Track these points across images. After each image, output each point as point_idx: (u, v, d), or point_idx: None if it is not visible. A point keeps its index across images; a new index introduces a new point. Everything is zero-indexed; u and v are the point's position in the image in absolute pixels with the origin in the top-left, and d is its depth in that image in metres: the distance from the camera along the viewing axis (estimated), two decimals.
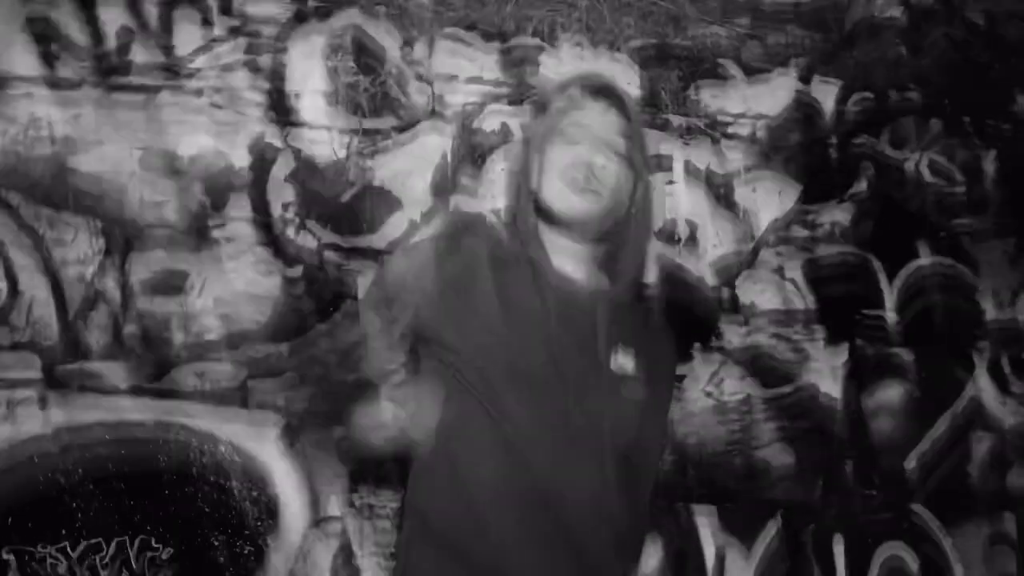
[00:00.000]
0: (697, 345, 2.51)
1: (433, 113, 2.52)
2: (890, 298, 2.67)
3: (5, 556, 2.05)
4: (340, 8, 2.52)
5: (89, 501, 2.11)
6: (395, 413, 1.64)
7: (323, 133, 2.46)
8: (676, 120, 2.64)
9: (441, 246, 1.60)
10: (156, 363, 2.23)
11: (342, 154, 2.46)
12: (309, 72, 2.48)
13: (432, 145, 2.50)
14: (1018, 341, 2.66)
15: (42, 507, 2.09)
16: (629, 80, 2.60)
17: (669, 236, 2.58)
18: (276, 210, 2.40)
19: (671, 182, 2.63)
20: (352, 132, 2.47)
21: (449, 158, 2.47)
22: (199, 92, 2.39)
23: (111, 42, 2.35)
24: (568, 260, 1.59)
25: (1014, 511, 2.56)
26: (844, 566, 2.43)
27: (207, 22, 2.42)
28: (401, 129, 2.51)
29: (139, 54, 2.36)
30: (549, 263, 1.58)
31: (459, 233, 1.61)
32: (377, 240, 2.44)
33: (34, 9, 2.28)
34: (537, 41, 2.61)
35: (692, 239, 2.61)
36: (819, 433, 2.54)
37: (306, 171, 2.44)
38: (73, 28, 2.31)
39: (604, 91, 1.55)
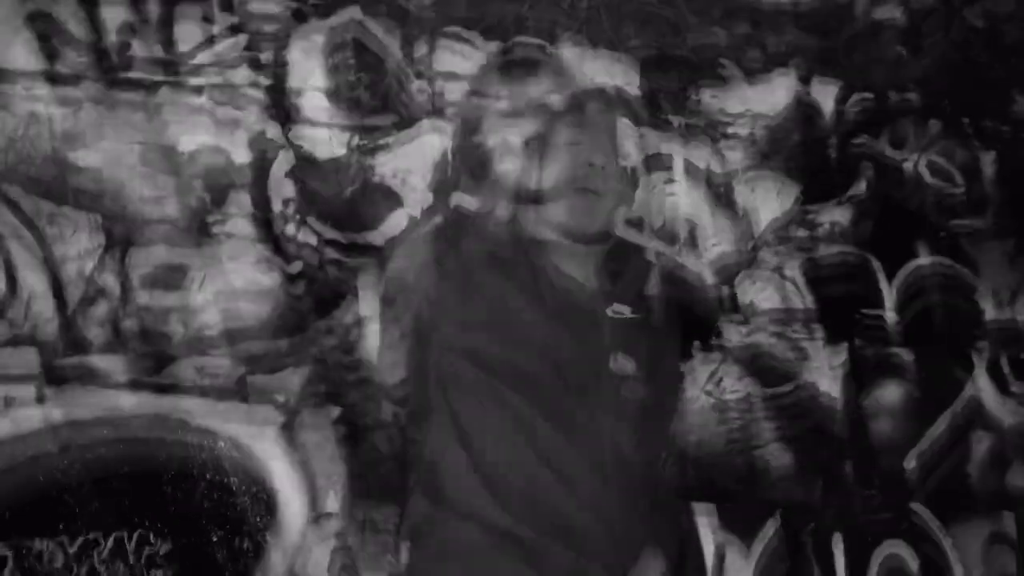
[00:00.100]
0: (697, 344, 2.51)
1: (434, 111, 2.52)
2: (889, 298, 2.67)
3: (1, 552, 2.05)
4: (341, 6, 2.52)
5: (87, 496, 2.11)
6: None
7: (323, 130, 2.46)
8: (675, 120, 2.65)
9: (440, 247, 1.61)
10: (155, 358, 2.23)
11: (342, 151, 2.46)
12: (310, 69, 2.48)
13: (433, 143, 2.51)
14: (1018, 341, 2.67)
15: (39, 501, 2.09)
16: (629, 83, 2.61)
17: (668, 236, 2.58)
18: (276, 206, 2.40)
19: (670, 181, 2.63)
20: (352, 129, 2.47)
21: (450, 157, 2.47)
22: (200, 88, 2.39)
23: (112, 38, 2.35)
24: (569, 260, 1.59)
25: (1014, 511, 2.56)
26: (843, 565, 2.42)
27: (208, 19, 2.42)
28: (402, 126, 2.51)
29: (140, 50, 2.36)
30: (550, 263, 1.58)
31: (458, 233, 1.61)
32: (377, 237, 2.44)
33: (35, 4, 2.28)
34: (538, 41, 2.61)
35: (691, 239, 2.62)
36: (818, 432, 2.54)
37: (306, 168, 2.44)
38: (74, 23, 2.31)
39: (599, 96, 1.57)
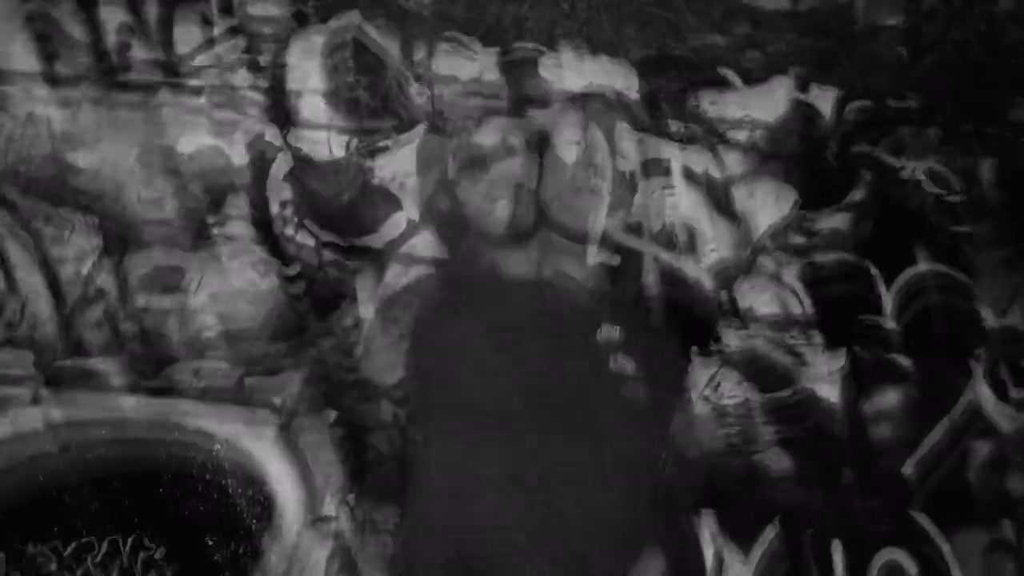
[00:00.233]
0: (695, 349, 2.50)
1: (433, 114, 2.51)
2: (888, 304, 2.67)
3: None
4: (340, 10, 2.52)
5: (83, 499, 2.10)
6: None
7: (322, 133, 2.46)
8: (675, 126, 2.65)
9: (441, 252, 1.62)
10: (153, 360, 2.22)
11: (341, 154, 2.45)
12: (309, 72, 2.48)
13: (431, 146, 2.50)
14: (1017, 347, 2.66)
15: (35, 505, 2.07)
16: (628, 86, 2.61)
17: (667, 240, 2.58)
18: (275, 209, 2.40)
19: (669, 187, 2.63)
20: (351, 132, 2.47)
21: (450, 163, 2.46)
22: (199, 90, 2.38)
23: (111, 40, 2.34)
24: (570, 261, 1.60)
25: (1013, 517, 2.55)
26: (843, 571, 2.42)
27: (207, 21, 2.42)
28: (401, 130, 2.50)
29: (139, 52, 2.36)
30: (550, 263, 1.58)
31: (458, 233, 1.62)
32: (376, 240, 2.43)
33: (34, 6, 2.28)
34: (537, 46, 2.61)
35: (690, 244, 2.61)
36: (817, 438, 2.53)
37: (305, 170, 2.43)
38: (73, 25, 2.31)
39: (599, 98, 1.58)
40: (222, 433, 2.19)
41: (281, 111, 2.45)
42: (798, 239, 2.68)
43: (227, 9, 2.43)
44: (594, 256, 1.61)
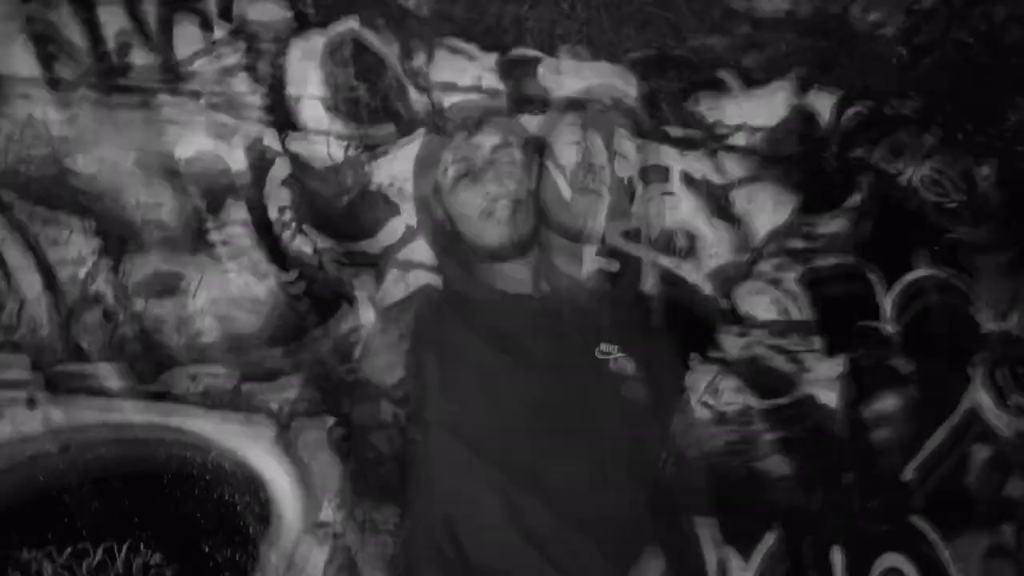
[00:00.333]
0: (694, 355, 2.50)
1: (431, 120, 2.52)
2: (888, 309, 2.67)
3: None
4: (339, 15, 2.53)
5: (78, 504, 2.09)
6: None
7: (321, 138, 2.46)
8: (674, 130, 2.65)
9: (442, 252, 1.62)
10: (150, 365, 2.22)
11: (340, 159, 2.46)
12: (308, 77, 2.48)
13: (430, 151, 2.50)
14: (1017, 351, 2.66)
15: (29, 510, 2.07)
16: (627, 92, 2.61)
17: (667, 246, 2.58)
18: (273, 214, 2.40)
19: (668, 194, 2.63)
20: (350, 137, 2.47)
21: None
22: (197, 95, 2.39)
23: (110, 44, 2.35)
24: (570, 261, 1.60)
25: (1013, 522, 2.55)
26: (842, 573, 2.41)
27: (206, 26, 2.43)
28: (400, 135, 2.51)
29: (138, 56, 2.36)
30: (550, 264, 1.59)
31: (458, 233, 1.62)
32: (374, 245, 2.43)
33: (33, 10, 2.29)
34: (536, 51, 2.61)
35: (690, 249, 2.61)
36: (817, 443, 2.53)
37: (304, 176, 2.43)
38: (72, 29, 2.32)
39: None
40: (219, 440, 2.18)
41: (280, 116, 2.45)
42: (798, 244, 2.68)
43: (226, 13, 2.44)
44: (593, 258, 1.61)
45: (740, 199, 2.68)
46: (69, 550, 2.05)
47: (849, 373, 2.56)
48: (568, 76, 2.57)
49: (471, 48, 2.55)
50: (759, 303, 2.62)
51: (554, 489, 1.49)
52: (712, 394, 2.48)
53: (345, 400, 2.11)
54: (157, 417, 2.15)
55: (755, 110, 2.71)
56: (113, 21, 2.34)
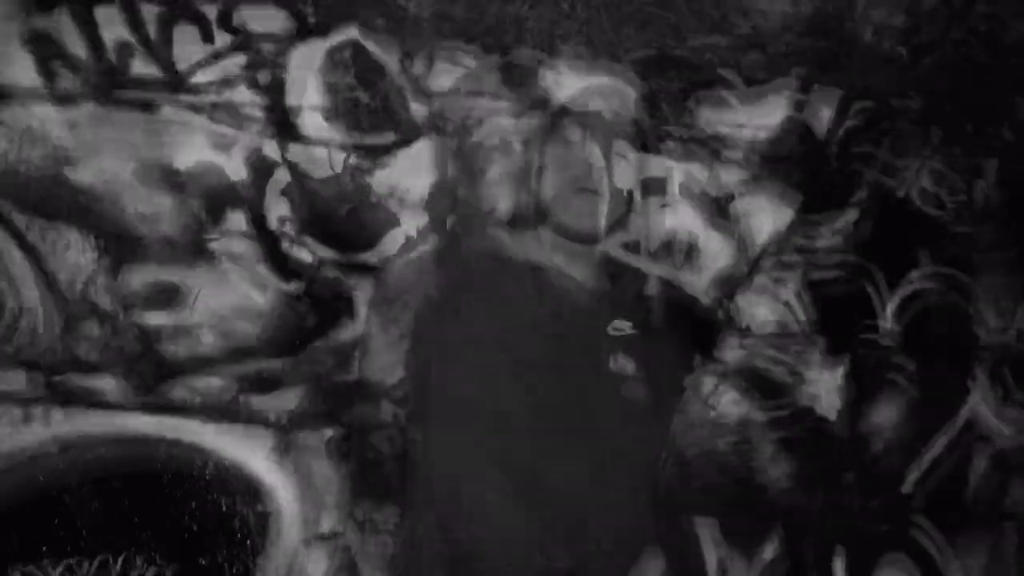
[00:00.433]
0: (697, 358, 2.49)
1: (433, 127, 2.52)
2: (889, 312, 2.66)
3: None
4: (339, 24, 2.53)
5: (74, 516, 2.08)
6: None
7: (321, 148, 2.47)
8: (674, 133, 2.65)
9: (442, 247, 1.61)
10: (149, 376, 2.21)
11: (340, 169, 2.46)
12: (308, 87, 2.49)
13: (431, 160, 2.50)
14: (1018, 353, 2.65)
15: (25, 522, 2.06)
16: (626, 101, 2.61)
17: (667, 251, 2.57)
18: (273, 224, 2.40)
19: (667, 202, 2.63)
20: (351, 147, 2.47)
21: (449, 172, 2.46)
22: (197, 106, 2.39)
23: (110, 55, 2.36)
24: (570, 261, 1.59)
25: (1014, 524, 2.53)
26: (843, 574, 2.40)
27: (207, 37, 2.44)
28: (400, 144, 2.51)
29: (138, 67, 2.37)
30: (551, 264, 1.58)
31: (459, 235, 1.61)
32: (374, 256, 2.43)
33: (34, 21, 2.30)
34: (537, 52, 2.61)
35: (690, 254, 2.60)
36: (818, 445, 2.51)
37: (304, 186, 2.44)
38: (72, 40, 2.32)
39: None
40: (218, 448, 2.17)
41: (280, 127, 2.45)
42: (798, 249, 2.67)
43: (227, 25, 2.45)
44: (594, 258, 1.60)
45: (739, 206, 2.67)
46: (64, 564, 2.04)
47: (850, 376, 2.55)
48: (568, 80, 2.58)
49: (472, 48, 2.56)
50: (759, 308, 2.61)
51: (554, 489, 1.48)
52: (713, 400, 2.47)
53: (345, 400, 2.11)
54: (154, 428, 2.15)
55: (755, 110, 2.71)
56: (113, 33, 2.34)
